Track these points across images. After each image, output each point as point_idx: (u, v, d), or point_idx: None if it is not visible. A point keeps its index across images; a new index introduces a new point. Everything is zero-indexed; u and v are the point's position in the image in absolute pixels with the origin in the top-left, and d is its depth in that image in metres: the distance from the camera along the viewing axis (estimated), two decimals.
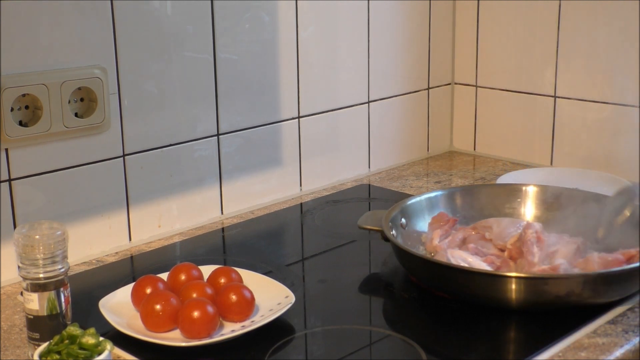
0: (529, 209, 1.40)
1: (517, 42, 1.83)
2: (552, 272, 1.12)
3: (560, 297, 1.07)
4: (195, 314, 1.03)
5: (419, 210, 1.36)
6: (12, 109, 1.22)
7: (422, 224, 1.35)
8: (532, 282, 1.08)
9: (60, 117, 1.27)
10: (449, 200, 1.40)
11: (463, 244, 1.28)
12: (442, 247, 1.25)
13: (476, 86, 1.93)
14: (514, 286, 1.07)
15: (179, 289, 1.11)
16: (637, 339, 1.05)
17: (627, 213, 1.26)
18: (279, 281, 1.17)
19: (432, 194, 1.39)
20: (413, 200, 1.37)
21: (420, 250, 1.29)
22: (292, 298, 1.11)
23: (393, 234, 1.25)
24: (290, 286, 1.16)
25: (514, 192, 1.41)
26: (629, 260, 1.15)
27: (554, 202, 1.36)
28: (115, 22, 1.32)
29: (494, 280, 1.10)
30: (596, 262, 1.15)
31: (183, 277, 1.14)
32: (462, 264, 1.17)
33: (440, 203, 1.39)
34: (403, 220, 1.33)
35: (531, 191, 1.41)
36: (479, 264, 1.18)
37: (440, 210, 1.36)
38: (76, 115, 1.29)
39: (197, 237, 1.45)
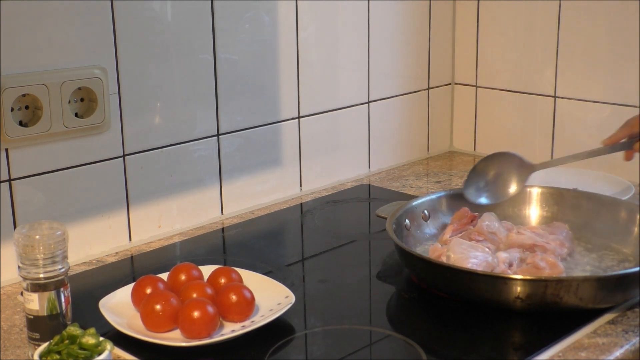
0: (529, 210, 1.40)
1: (517, 42, 1.83)
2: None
3: (562, 299, 1.07)
4: (195, 314, 1.03)
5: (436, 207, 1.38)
6: (12, 109, 1.22)
7: (446, 218, 1.36)
8: (534, 284, 1.07)
9: (60, 117, 1.27)
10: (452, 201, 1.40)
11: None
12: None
13: (476, 86, 1.93)
14: (518, 288, 1.07)
15: (179, 289, 1.11)
16: (637, 339, 1.05)
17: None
18: (279, 281, 1.17)
19: (435, 195, 1.40)
20: (425, 199, 1.37)
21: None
22: (292, 298, 1.10)
23: (406, 225, 1.27)
24: (290, 286, 1.16)
25: None
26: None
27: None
28: (115, 22, 1.32)
29: (495, 281, 1.09)
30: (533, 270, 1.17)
31: (183, 277, 1.14)
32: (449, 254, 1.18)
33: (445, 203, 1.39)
34: (425, 212, 1.33)
35: (533, 192, 1.40)
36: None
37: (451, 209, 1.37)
38: (76, 115, 1.29)
39: (197, 237, 1.45)
